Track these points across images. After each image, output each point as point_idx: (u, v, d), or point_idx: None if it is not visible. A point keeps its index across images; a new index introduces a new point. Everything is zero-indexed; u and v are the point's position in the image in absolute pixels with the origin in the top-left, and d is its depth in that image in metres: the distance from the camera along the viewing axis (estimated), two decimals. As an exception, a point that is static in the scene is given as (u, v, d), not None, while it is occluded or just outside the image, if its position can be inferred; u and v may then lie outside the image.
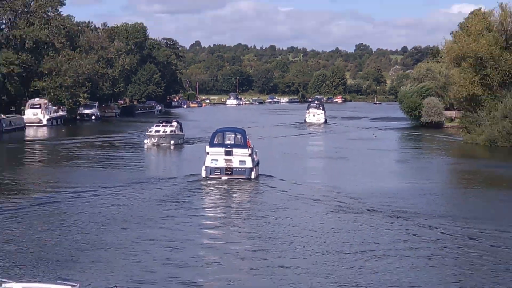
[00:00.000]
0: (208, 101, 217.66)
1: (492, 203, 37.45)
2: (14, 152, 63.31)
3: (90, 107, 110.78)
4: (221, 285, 21.36)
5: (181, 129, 68.01)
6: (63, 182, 41.61)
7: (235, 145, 43.31)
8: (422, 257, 24.74)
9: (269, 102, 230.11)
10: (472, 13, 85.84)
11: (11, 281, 13.78)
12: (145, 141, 65.60)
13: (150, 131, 65.88)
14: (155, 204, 34.01)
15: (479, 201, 38.21)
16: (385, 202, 35.43)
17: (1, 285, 12.96)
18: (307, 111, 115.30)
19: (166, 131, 65.46)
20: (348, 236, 27.87)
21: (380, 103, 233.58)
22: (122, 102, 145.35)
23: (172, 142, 64.82)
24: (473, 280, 22.06)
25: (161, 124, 67.30)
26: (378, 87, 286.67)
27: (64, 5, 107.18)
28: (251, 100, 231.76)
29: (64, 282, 14.38)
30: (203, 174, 42.64)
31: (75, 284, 14.15)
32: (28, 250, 24.37)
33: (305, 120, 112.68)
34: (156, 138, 64.60)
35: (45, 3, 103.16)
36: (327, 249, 25.72)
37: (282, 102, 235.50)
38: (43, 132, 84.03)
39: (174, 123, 67.60)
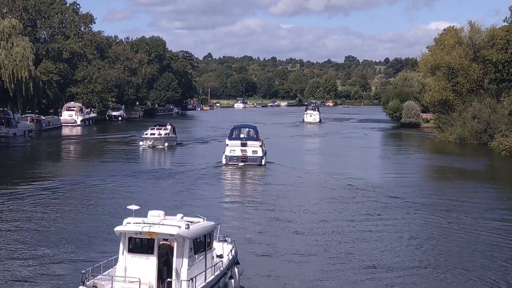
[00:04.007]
0: (218, 104, 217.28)
1: (463, 193, 37.17)
2: (50, 147, 63.23)
3: (117, 109, 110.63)
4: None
5: (174, 132, 63.11)
6: (96, 171, 41.78)
7: (249, 138, 46.52)
8: (400, 237, 24.76)
9: (271, 106, 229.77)
10: (445, 29, 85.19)
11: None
12: (140, 143, 60.51)
13: (146, 134, 60.96)
14: (195, 182, 38.58)
15: (451, 191, 37.90)
16: (372, 192, 35.35)
17: (165, 217, 14.82)
18: (305, 113, 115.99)
19: (161, 134, 60.44)
20: (337, 217, 27.79)
21: (349, 107, 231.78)
22: (140, 103, 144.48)
23: (166, 144, 59.55)
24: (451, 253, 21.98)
25: (155, 127, 62.02)
26: (364, 93, 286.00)
27: (94, 23, 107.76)
28: (255, 103, 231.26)
29: (200, 216, 16.47)
30: (224, 161, 46.13)
31: (204, 218, 16.24)
32: (63, 232, 24.38)
33: (303, 120, 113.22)
34: (152, 140, 59.62)
35: (78, 19, 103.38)
36: (322, 225, 25.69)
37: (281, 106, 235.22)
38: (77, 131, 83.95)
39: (168, 126, 62.15)
